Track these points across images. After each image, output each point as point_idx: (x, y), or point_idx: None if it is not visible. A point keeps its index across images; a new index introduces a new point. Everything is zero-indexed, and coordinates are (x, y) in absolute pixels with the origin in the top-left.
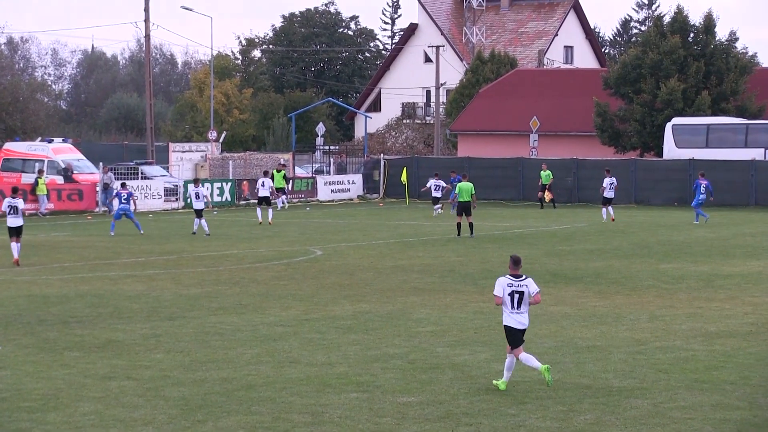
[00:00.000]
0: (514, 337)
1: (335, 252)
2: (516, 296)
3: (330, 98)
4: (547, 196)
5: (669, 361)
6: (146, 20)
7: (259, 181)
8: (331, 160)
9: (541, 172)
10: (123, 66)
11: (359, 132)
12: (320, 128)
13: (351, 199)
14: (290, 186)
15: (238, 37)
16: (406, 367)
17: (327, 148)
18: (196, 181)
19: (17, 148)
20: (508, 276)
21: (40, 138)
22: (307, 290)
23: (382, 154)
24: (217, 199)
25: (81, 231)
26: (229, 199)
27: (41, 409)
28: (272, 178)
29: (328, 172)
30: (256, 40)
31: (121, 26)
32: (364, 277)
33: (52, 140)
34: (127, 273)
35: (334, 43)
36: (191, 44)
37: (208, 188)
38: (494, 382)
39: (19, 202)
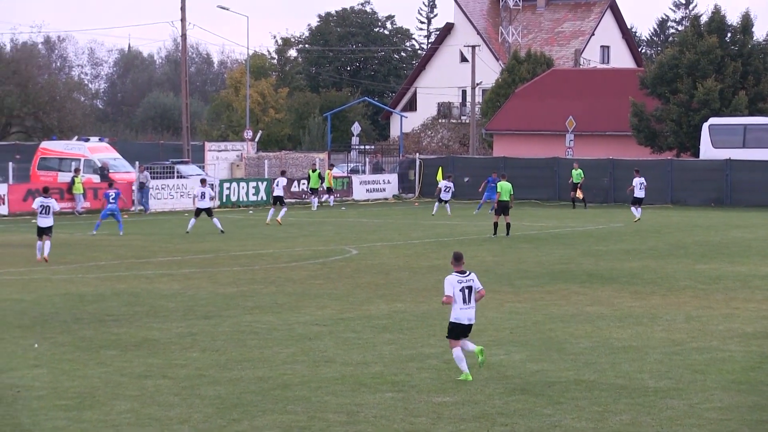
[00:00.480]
0: (463, 332)
1: (371, 251)
2: (466, 291)
3: (365, 98)
4: (578, 195)
5: (705, 362)
6: (182, 19)
7: (275, 181)
8: (367, 159)
9: (573, 171)
10: (159, 65)
11: (395, 131)
12: (356, 128)
13: (386, 199)
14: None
15: (274, 37)
16: (442, 367)
17: (362, 147)
18: (203, 182)
19: (54, 147)
20: (455, 273)
21: (76, 137)
22: (343, 289)
23: (417, 154)
24: (252, 198)
25: (117, 230)
26: (264, 198)
27: (77, 408)
28: (308, 178)
29: (364, 172)
30: (292, 40)
31: (158, 25)
32: (400, 277)
33: (89, 139)
34: (162, 272)
35: (370, 42)
36: (227, 43)
37: (214, 187)
38: (459, 378)
39: (52, 202)
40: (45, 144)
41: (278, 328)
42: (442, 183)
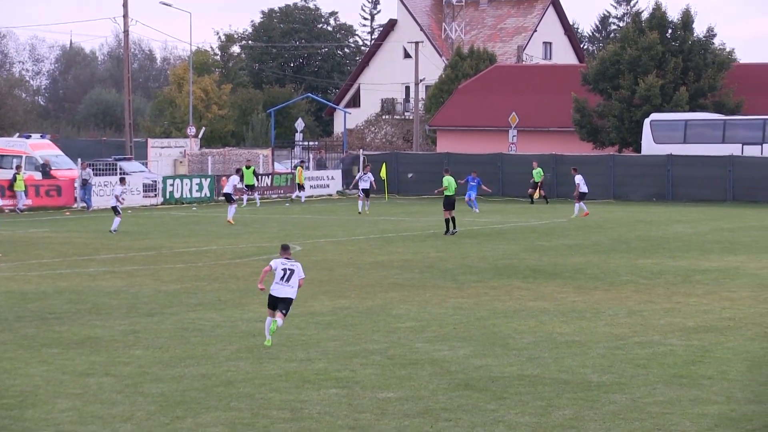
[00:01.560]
0: (274, 304)
1: (315, 248)
2: (288, 272)
3: (309, 94)
4: (538, 192)
5: (647, 356)
6: (125, 16)
7: (230, 178)
8: (311, 155)
9: (533, 170)
10: (101, 62)
11: (338, 128)
12: (299, 124)
13: (330, 195)
14: (270, 181)
15: (217, 33)
16: (386, 363)
17: (306, 143)
18: (122, 180)
19: None
20: (282, 258)
21: (18, 134)
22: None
23: (361, 150)
24: (196, 195)
25: (59, 227)
26: (208, 195)
27: (19, 406)
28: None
29: (308, 168)
30: (235, 36)
31: (100, 22)
32: (344, 273)
33: (30, 136)
34: (105, 269)
35: (313, 38)
36: (170, 40)
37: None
38: (265, 343)
39: None
40: None
41: (222, 325)
42: (359, 174)
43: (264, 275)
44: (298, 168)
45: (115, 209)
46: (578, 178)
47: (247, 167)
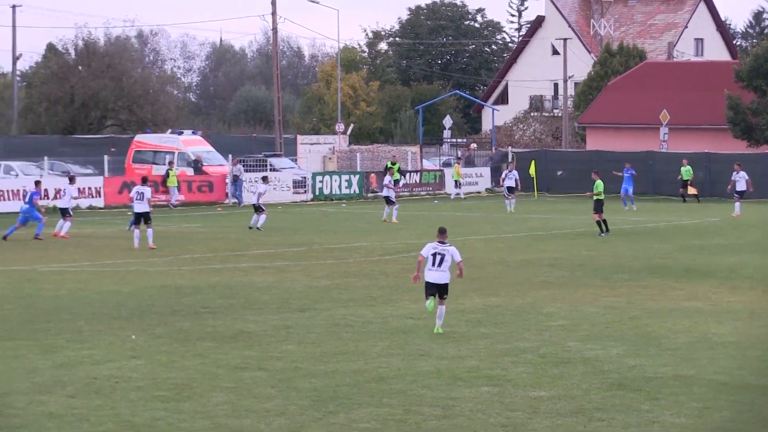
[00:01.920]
0: (433, 290)
1: (464, 245)
2: (438, 257)
3: (457, 91)
4: (690, 190)
5: None
6: (273, 13)
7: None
8: (459, 152)
9: (682, 167)
10: (251, 59)
11: (486, 125)
12: (447, 121)
13: (479, 192)
14: (419, 178)
15: (365, 30)
16: (537, 362)
17: (454, 141)
18: (265, 179)
19: (148, 140)
20: (436, 242)
21: (170, 130)
22: None
23: (509, 147)
24: (345, 191)
25: (211, 222)
26: (357, 191)
27: (175, 399)
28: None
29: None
30: (383, 33)
31: (249, 19)
32: (494, 271)
33: (182, 132)
34: (257, 264)
35: (461, 35)
36: (318, 37)
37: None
38: (436, 330)
39: (146, 190)
40: (139, 137)
41: (373, 321)
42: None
43: (419, 265)
44: (455, 165)
45: (257, 207)
46: (738, 175)
47: (393, 164)
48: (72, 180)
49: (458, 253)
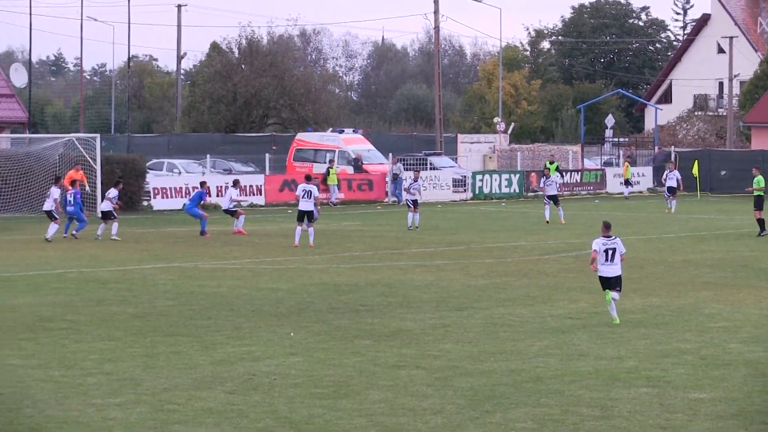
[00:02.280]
0: (607, 284)
1: (626, 245)
2: (609, 252)
3: (619, 90)
4: None
5: None
6: (436, 12)
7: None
8: (620, 152)
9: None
10: (412, 57)
11: (649, 124)
12: (609, 120)
13: (641, 192)
14: (580, 177)
15: (527, 29)
16: (698, 363)
17: (616, 140)
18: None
19: (309, 138)
20: (602, 237)
21: (331, 128)
22: (596, 283)
23: (672, 147)
24: (505, 190)
25: (371, 221)
26: (517, 190)
27: (333, 396)
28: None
29: (618, 165)
30: (545, 32)
31: (411, 18)
32: (654, 271)
33: (343, 131)
34: (416, 263)
35: (624, 34)
36: (480, 36)
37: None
38: (614, 321)
39: (314, 188)
40: (300, 135)
41: (531, 320)
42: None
43: (594, 259)
44: (625, 164)
45: (413, 202)
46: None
47: (551, 162)
48: (235, 183)
49: (622, 244)
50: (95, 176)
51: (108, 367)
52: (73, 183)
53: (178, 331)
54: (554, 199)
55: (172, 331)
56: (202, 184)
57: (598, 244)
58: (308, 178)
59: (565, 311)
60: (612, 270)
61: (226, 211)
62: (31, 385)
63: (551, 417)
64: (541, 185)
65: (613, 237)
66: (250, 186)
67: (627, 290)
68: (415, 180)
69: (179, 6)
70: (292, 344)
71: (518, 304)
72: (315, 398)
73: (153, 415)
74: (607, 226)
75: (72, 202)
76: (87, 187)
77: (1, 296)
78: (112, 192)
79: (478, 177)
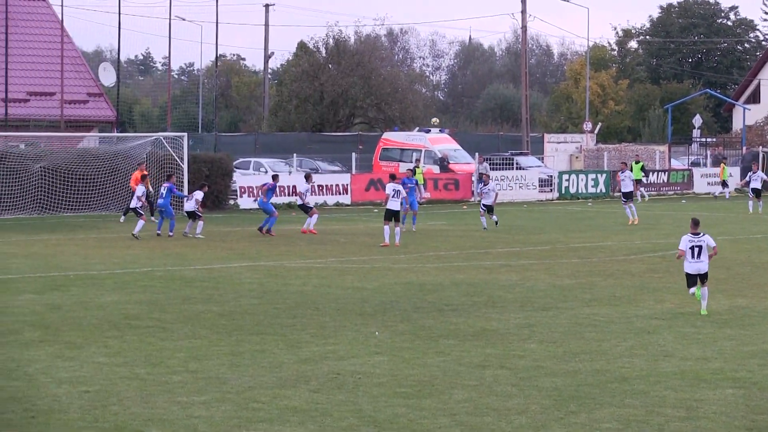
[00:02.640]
0: (694, 280)
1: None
2: (696, 249)
3: (707, 89)
4: None
5: None
6: (523, 11)
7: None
8: (708, 152)
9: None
10: (499, 57)
11: (737, 124)
12: (697, 120)
13: (729, 192)
14: (667, 178)
15: (615, 28)
16: None
17: (703, 140)
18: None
19: (395, 137)
20: (689, 234)
21: (417, 128)
22: (682, 283)
23: (761, 147)
24: (591, 190)
25: (456, 220)
26: (603, 190)
27: (417, 395)
28: (631, 169)
29: (705, 165)
30: (633, 31)
31: (498, 18)
32: (741, 272)
33: (430, 130)
34: (501, 262)
35: (713, 33)
36: (567, 35)
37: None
38: (702, 312)
39: (402, 188)
40: (387, 135)
41: (616, 321)
42: (749, 174)
43: (682, 258)
44: (722, 165)
45: (485, 207)
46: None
47: (636, 162)
48: (307, 177)
49: (712, 239)
50: (182, 175)
51: (193, 366)
52: (143, 178)
53: (263, 329)
54: (490, 209)
55: (257, 330)
56: (275, 177)
57: (685, 242)
58: (392, 177)
59: (651, 311)
60: (699, 267)
61: (301, 207)
62: (117, 382)
63: (636, 417)
64: (479, 191)
65: (701, 234)
66: (336, 185)
67: (713, 291)
68: (485, 184)
69: (267, 5)
70: (377, 343)
71: (604, 305)
72: (399, 397)
73: (237, 413)
74: (695, 223)
75: (164, 195)
76: (150, 188)
77: (89, 294)
78: (198, 194)
79: (565, 177)
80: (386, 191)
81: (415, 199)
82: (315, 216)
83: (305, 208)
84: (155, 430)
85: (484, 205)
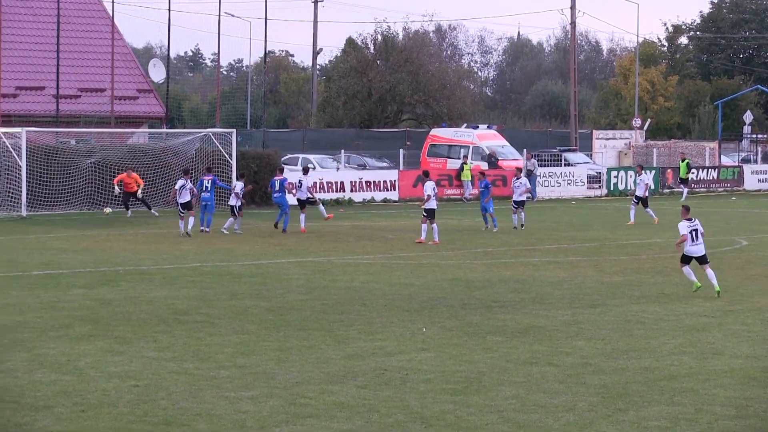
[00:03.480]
0: (697, 260)
1: (762, 243)
2: (694, 233)
3: (758, 86)
4: None
5: None
6: (572, 7)
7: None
8: (759, 149)
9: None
10: (548, 53)
11: None
12: (747, 116)
13: None
14: (717, 174)
15: (665, 24)
16: None
17: (754, 136)
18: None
19: (443, 134)
20: (684, 220)
21: (465, 124)
22: (732, 281)
23: None
24: None
25: (504, 217)
26: (652, 187)
27: (464, 392)
28: (679, 168)
29: (755, 162)
30: (683, 27)
31: (547, 13)
32: None
33: (477, 127)
34: (549, 259)
35: (764, 29)
36: (616, 31)
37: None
38: (693, 289)
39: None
40: (435, 131)
41: (665, 318)
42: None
43: (682, 242)
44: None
45: (516, 203)
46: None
47: (682, 160)
48: (306, 171)
49: (701, 225)
50: (230, 171)
51: (241, 361)
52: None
53: (311, 325)
54: (520, 204)
55: (305, 326)
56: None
57: (684, 227)
58: (426, 175)
59: (700, 309)
60: (698, 249)
61: (309, 202)
62: (165, 377)
63: (685, 416)
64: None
65: (694, 219)
66: (384, 181)
67: (763, 289)
68: (518, 178)
69: (315, 1)
70: (424, 340)
71: (652, 302)
72: (446, 394)
73: (285, 408)
74: (686, 209)
75: (208, 188)
76: (139, 192)
77: (138, 289)
78: (238, 185)
79: (613, 173)
80: (427, 191)
81: (490, 202)
82: (304, 215)
83: (306, 203)
84: (203, 424)
85: (515, 202)
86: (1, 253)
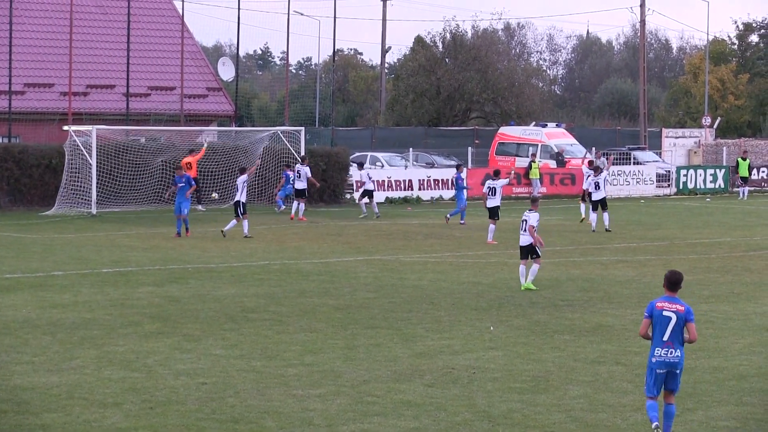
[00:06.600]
0: (522, 252)
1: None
2: (523, 223)
3: None
4: None
5: None
6: (642, 5)
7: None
8: None
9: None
10: (617, 51)
11: None
12: None
13: None
14: None
15: (735, 22)
16: None
17: None
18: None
19: (512, 132)
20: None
21: (534, 122)
22: None
23: None
24: (709, 185)
25: (572, 216)
26: (722, 186)
27: (531, 391)
28: (737, 165)
29: None
30: (754, 25)
31: (617, 11)
32: None
33: (546, 125)
34: (618, 258)
35: None
36: (686, 29)
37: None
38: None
39: (498, 184)
40: (503, 129)
41: (734, 317)
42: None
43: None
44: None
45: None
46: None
47: (743, 159)
48: (303, 160)
49: (534, 219)
50: None
51: (309, 359)
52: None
53: (378, 323)
54: (601, 204)
55: (373, 324)
56: (458, 167)
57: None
58: (497, 174)
59: None
60: (524, 240)
61: (303, 192)
62: (233, 375)
63: (754, 416)
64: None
65: (533, 210)
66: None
67: None
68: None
69: (384, 0)
70: (492, 338)
71: (722, 301)
72: (513, 393)
73: (352, 406)
74: (534, 201)
75: (301, 177)
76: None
77: (207, 287)
78: (305, 169)
79: (683, 172)
80: (483, 189)
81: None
82: (300, 204)
83: (304, 193)
84: (271, 422)
85: (593, 200)
86: (72, 250)
